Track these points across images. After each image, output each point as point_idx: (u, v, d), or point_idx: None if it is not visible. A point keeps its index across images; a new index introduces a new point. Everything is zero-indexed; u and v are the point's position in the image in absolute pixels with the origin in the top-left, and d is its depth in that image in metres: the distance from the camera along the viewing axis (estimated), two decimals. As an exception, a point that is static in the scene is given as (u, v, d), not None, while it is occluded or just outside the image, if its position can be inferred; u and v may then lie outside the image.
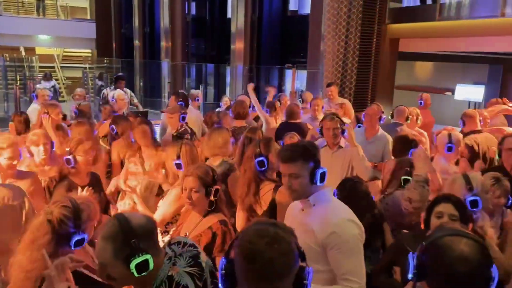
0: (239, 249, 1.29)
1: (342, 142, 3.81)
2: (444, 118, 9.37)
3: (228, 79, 11.28)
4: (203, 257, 1.72)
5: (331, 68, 8.30)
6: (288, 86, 10.48)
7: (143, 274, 1.50)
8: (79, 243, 1.86)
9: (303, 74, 9.90)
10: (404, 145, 3.69)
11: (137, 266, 1.48)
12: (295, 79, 9.56)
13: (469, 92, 10.39)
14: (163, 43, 13.53)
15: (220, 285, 1.32)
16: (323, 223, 1.97)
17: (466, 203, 2.29)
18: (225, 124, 4.88)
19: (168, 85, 12.08)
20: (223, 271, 1.31)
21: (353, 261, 1.94)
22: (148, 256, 1.49)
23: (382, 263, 2.44)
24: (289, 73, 10.59)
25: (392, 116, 5.29)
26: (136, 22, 15.13)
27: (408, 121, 5.15)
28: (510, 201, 2.78)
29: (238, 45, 10.74)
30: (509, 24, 6.95)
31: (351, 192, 2.62)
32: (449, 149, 3.58)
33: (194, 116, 5.40)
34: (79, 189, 2.68)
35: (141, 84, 13.60)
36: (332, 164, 3.61)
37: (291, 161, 2.01)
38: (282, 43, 11.53)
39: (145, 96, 13.51)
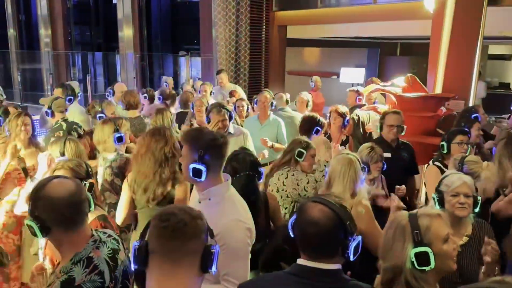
0: (154, 217, 1.37)
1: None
2: (332, 100, 10.02)
3: (118, 68, 10.70)
4: (121, 255, 1.72)
5: (225, 55, 8.36)
6: (183, 74, 10.32)
7: (37, 237, 1.60)
8: None
9: (198, 61, 9.81)
10: (311, 124, 3.98)
11: (29, 227, 1.59)
12: (189, 67, 9.45)
13: (352, 75, 11.22)
14: (42, 31, 12.33)
15: (132, 265, 1.37)
16: (212, 222, 1.87)
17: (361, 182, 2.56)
18: (108, 113, 4.68)
19: (50, 77, 11.09)
20: (137, 248, 1.35)
21: (236, 264, 1.89)
22: (32, 223, 1.56)
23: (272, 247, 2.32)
24: (183, 60, 10.43)
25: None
26: (8, 8, 13.54)
27: (294, 104, 5.42)
28: (385, 166, 3.13)
29: (126, 32, 10.21)
30: (382, 11, 7.65)
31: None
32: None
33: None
34: None
35: (19, 77, 12.28)
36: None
37: (183, 141, 2.02)
38: (174, 30, 11.27)
39: (25, 90, 12.24)
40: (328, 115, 4.52)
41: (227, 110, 3.81)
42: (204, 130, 2.11)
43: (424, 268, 1.52)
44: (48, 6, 12.07)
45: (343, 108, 4.37)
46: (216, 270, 1.38)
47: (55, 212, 1.57)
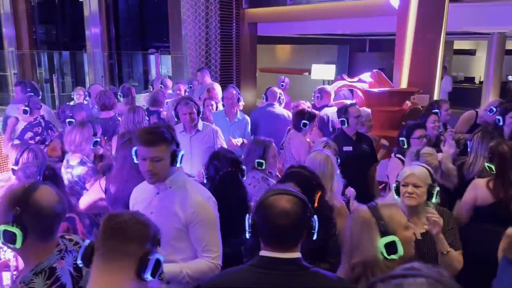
0: (103, 219, 1.41)
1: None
2: (304, 96, 10.13)
3: (86, 67, 10.46)
4: None
5: (195, 53, 8.28)
6: (153, 72, 10.18)
7: (13, 246, 1.50)
8: None
9: (168, 59, 9.67)
10: (300, 118, 4.07)
11: (4, 233, 1.48)
12: (159, 65, 9.35)
13: (323, 71, 11.37)
14: (5, 30, 11.90)
15: (79, 261, 1.42)
16: (185, 204, 2.07)
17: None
18: (79, 119, 4.57)
19: (15, 77, 10.73)
20: (85, 246, 1.40)
21: (211, 235, 2.12)
22: (15, 230, 1.47)
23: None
24: (153, 58, 10.31)
25: (266, 98, 5.51)
26: (-32, 6, 12.99)
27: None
28: (339, 160, 3.20)
29: (93, 31, 9.98)
30: (350, 8, 7.75)
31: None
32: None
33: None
34: None
35: (-18, 77, 11.85)
36: (192, 147, 3.72)
37: (154, 145, 2.01)
38: (143, 27, 11.10)
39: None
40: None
41: (195, 103, 3.77)
42: (161, 124, 2.20)
43: (393, 256, 1.59)
44: (12, 4, 11.67)
45: (305, 105, 4.40)
46: (152, 278, 1.37)
47: (42, 221, 1.51)
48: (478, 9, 6.92)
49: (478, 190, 2.85)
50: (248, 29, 8.97)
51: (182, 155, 2.11)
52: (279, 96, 5.33)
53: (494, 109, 4.47)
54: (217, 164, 2.61)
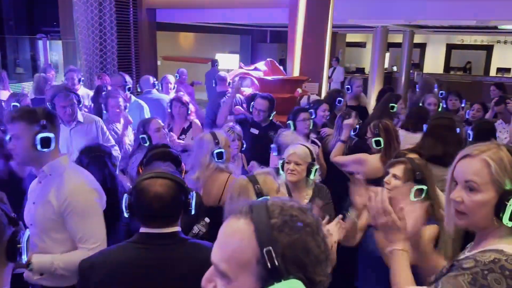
0: None
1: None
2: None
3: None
4: None
5: (88, 38, 7.83)
6: (42, 59, 9.44)
7: None
8: None
9: (59, 45, 9.02)
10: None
11: None
12: (49, 51, 8.70)
13: (227, 61, 11.48)
14: None
15: None
16: (58, 192, 1.96)
17: (213, 155, 2.68)
18: None
19: None
20: None
21: (89, 224, 1.98)
22: None
23: None
24: (42, 44, 9.55)
25: (141, 88, 5.43)
26: None
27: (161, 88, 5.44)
28: (245, 145, 3.35)
29: (-31, 11, 8.97)
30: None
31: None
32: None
33: None
34: None
35: None
36: (72, 140, 3.50)
37: (13, 121, 1.93)
38: (30, 10, 10.20)
39: None
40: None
41: (76, 94, 3.56)
42: (32, 107, 2.10)
43: None
44: None
45: (186, 97, 4.41)
46: (28, 258, 1.32)
47: None
48: (363, 3, 7.51)
49: (367, 165, 3.13)
50: (146, 15, 8.72)
51: (49, 139, 1.93)
52: (154, 82, 5.33)
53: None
54: (84, 159, 2.47)
